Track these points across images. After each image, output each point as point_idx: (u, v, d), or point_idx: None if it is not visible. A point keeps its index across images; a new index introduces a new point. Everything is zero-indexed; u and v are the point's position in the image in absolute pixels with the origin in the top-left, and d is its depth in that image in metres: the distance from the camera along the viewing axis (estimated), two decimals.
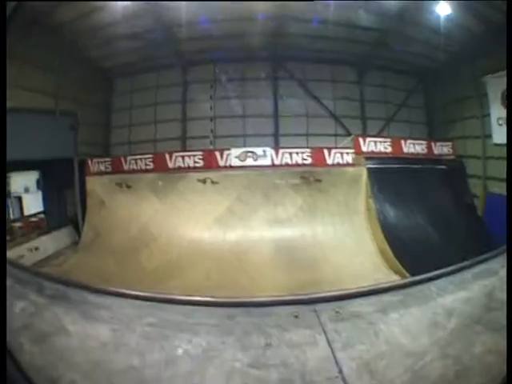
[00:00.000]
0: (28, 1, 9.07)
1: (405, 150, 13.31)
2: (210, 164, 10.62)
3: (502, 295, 1.16)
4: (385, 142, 12.52)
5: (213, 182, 10.04)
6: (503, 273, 1.31)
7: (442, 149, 14.51)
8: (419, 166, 13.37)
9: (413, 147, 13.62)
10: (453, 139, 13.77)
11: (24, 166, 12.54)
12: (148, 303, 1.45)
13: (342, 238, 11.36)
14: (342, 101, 12.90)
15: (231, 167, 10.62)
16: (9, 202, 14.03)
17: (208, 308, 1.34)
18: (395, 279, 9.55)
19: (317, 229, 11.14)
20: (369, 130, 13.15)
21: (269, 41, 11.97)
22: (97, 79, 13.22)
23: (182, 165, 10.91)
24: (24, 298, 1.42)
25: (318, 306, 1.21)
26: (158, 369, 1.09)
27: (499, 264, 1.42)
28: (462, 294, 1.17)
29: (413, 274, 8.82)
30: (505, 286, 1.23)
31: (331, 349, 1.01)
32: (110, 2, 10.70)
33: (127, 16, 10.92)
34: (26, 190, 14.63)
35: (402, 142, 13.16)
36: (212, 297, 1.36)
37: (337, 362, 0.98)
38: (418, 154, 13.77)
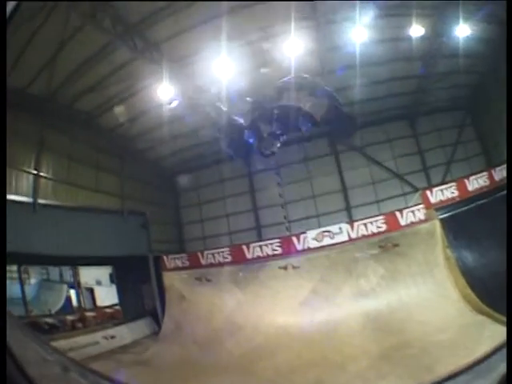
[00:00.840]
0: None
1: (469, 188, 12.86)
2: (289, 249, 10.63)
3: None
4: (450, 186, 12.17)
5: (294, 267, 10.01)
6: None
7: (502, 173, 13.89)
8: (485, 200, 12.90)
9: (476, 182, 13.16)
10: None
11: (95, 261, 13.07)
12: None
13: (426, 294, 11.01)
14: (402, 158, 12.77)
15: (310, 249, 10.57)
16: (79, 292, 14.59)
17: None
18: (480, 319, 9.08)
19: (400, 292, 10.84)
20: (432, 179, 12.85)
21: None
22: (160, 178, 13.79)
23: (260, 254, 10.99)
24: None
25: None
26: None
27: None
28: None
29: (496, 311, 8.53)
30: None
31: None
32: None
33: (173, 116, 11.30)
34: (99, 283, 15.18)
35: (466, 181, 12.74)
36: None
37: None
38: (481, 187, 13.27)
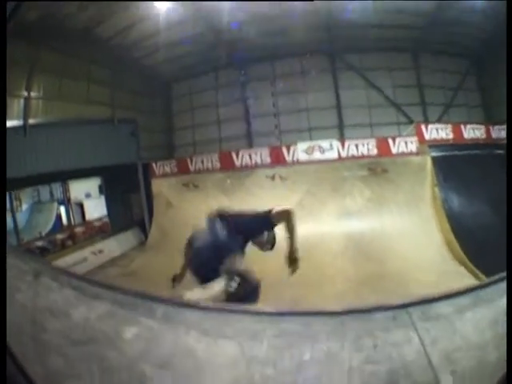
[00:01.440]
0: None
1: (465, 135, 12.91)
2: (278, 160, 10.62)
3: None
4: (446, 128, 12.15)
5: (281, 178, 10.06)
6: None
7: (500, 133, 13.97)
8: (480, 152, 12.97)
9: (473, 132, 13.20)
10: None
11: (84, 173, 13.04)
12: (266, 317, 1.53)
13: (410, 228, 11.16)
14: (401, 88, 12.63)
15: (299, 162, 10.60)
16: (69, 208, 14.67)
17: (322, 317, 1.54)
18: (461, 271, 9.40)
19: (385, 220, 10.99)
20: (429, 117, 12.79)
21: (323, 34, 11.90)
22: (152, 85, 13.52)
23: (249, 162, 10.94)
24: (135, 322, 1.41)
25: (410, 309, 1.40)
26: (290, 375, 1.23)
27: None
28: None
29: (477, 266, 8.78)
30: None
31: (422, 344, 1.24)
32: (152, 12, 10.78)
33: (171, 23, 11.01)
34: (88, 196, 15.22)
35: (462, 127, 12.75)
36: (324, 308, 1.54)
37: (426, 354, 1.20)
38: (477, 139, 13.33)
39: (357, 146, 10.76)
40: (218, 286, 2.37)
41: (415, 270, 9.11)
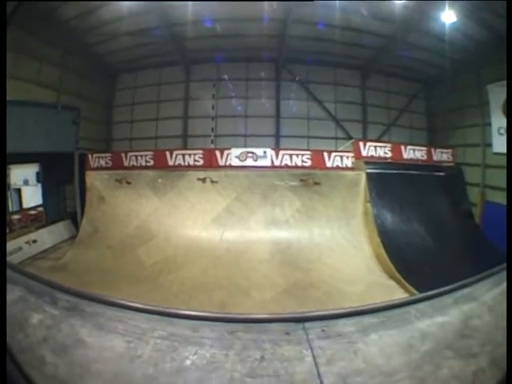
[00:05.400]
0: (28, 0, 9.11)
1: (405, 155, 13.33)
2: (210, 163, 10.58)
3: (478, 322, 1.22)
4: (385, 146, 12.53)
5: (212, 181, 10.04)
6: (485, 298, 1.38)
7: (441, 155, 14.55)
8: (418, 173, 13.41)
9: (413, 153, 13.65)
10: (453, 146, 13.81)
11: (24, 158, 12.61)
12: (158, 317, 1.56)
13: (339, 240, 11.39)
14: (344, 104, 12.92)
15: (231, 167, 10.59)
16: (8, 194, 14.09)
17: (212, 323, 1.50)
18: (390, 284, 9.71)
19: (313, 231, 11.17)
20: (369, 135, 13.17)
21: (272, 42, 11.98)
22: (100, 74, 13.24)
23: (182, 163, 10.83)
24: (40, 310, 1.50)
25: (307, 324, 1.34)
26: (170, 377, 1.25)
27: (483, 288, 1.46)
28: (439, 318, 1.24)
29: (405, 279, 9.07)
30: (483, 313, 1.32)
31: (315, 363, 1.11)
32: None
33: (131, 13, 10.95)
34: (26, 183, 14.64)
35: (402, 147, 13.17)
36: (216, 312, 1.50)
37: (319, 376, 1.06)
38: (417, 160, 13.81)
39: (291, 156, 10.89)
40: None
41: (342, 281, 9.30)
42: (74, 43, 12.22)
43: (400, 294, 8.18)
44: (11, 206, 14.06)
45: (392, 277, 9.47)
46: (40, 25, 11.19)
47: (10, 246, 10.80)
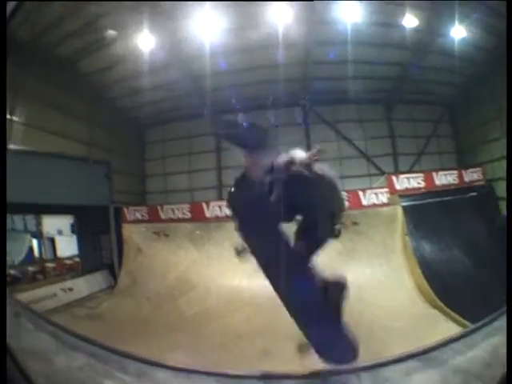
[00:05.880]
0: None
1: (437, 182, 13.14)
2: None
3: (504, 351, 1.32)
4: (417, 177, 12.40)
5: None
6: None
7: (472, 175, 14.26)
8: (452, 198, 13.18)
9: (444, 178, 13.45)
10: (481, 164, 13.55)
11: (58, 209, 12.88)
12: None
13: (380, 277, 11.23)
14: (373, 140, 12.89)
15: None
16: (41, 242, 14.37)
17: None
18: (434, 313, 9.40)
19: (355, 271, 10.99)
20: (400, 166, 13.04)
21: (294, 86, 12.13)
22: (128, 128, 13.55)
23: (219, 214, 10.90)
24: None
25: (361, 374, 1.44)
26: None
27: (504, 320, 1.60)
28: (470, 353, 1.35)
29: (448, 306, 8.82)
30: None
31: None
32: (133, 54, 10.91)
33: (152, 67, 11.16)
34: (60, 233, 14.94)
35: (434, 174, 13.01)
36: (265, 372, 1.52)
37: None
38: (449, 184, 13.57)
39: None
40: None
41: (386, 317, 9.10)
42: (99, 97, 12.58)
43: (443, 322, 8.25)
44: (45, 253, 14.34)
45: (435, 306, 9.39)
46: (63, 76, 11.58)
47: (45, 291, 10.83)
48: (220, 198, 12.12)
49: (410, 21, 11.13)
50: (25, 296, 9.37)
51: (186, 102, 12.54)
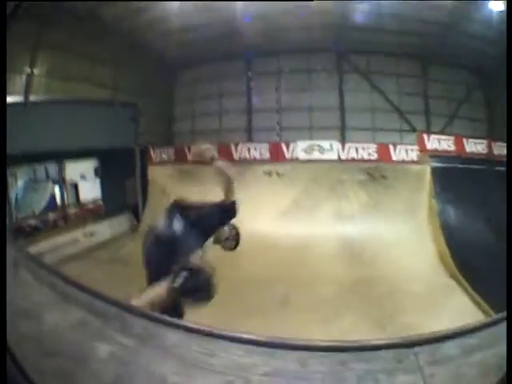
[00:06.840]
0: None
1: (467, 149, 12.83)
2: (277, 156, 10.48)
3: None
4: (448, 139, 12.11)
5: (278, 174, 9.93)
6: None
7: (501, 149, 13.91)
8: (481, 167, 12.90)
9: (474, 146, 13.12)
10: None
11: (81, 154, 12.91)
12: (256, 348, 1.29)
13: (404, 236, 11.12)
14: (407, 95, 12.58)
15: (297, 160, 10.46)
16: (64, 189, 14.50)
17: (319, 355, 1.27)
18: (451, 284, 9.34)
19: (380, 226, 10.95)
20: (432, 127, 12.74)
21: (332, 33, 11.80)
22: (159, 70, 13.36)
23: (247, 156, 10.84)
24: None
25: (417, 349, 1.22)
26: None
27: None
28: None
29: (466, 279, 8.74)
30: None
31: None
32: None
33: (188, 10, 10.93)
34: (83, 178, 15.04)
35: (465, 140, 12.68)
36: (325, 341, 1.29)
37: None
38: (479, 153, 13.26)
39: (357, 150, 10.67)
40: (162, 284, 2.13)
41: (405, 279, 9.06)
42: (130, 40, 12.36)
43: (459, 295, 8.23)
44: (67, 199, 14.48)
45: (452, 276, 9.31)
46: (87, 24, 11.38)
47: (67, 238, 10.81)
48: (249, 140, 12.13)
49: None
50: (45, 244, 9.51)
51: (221, 44, 12.16)
